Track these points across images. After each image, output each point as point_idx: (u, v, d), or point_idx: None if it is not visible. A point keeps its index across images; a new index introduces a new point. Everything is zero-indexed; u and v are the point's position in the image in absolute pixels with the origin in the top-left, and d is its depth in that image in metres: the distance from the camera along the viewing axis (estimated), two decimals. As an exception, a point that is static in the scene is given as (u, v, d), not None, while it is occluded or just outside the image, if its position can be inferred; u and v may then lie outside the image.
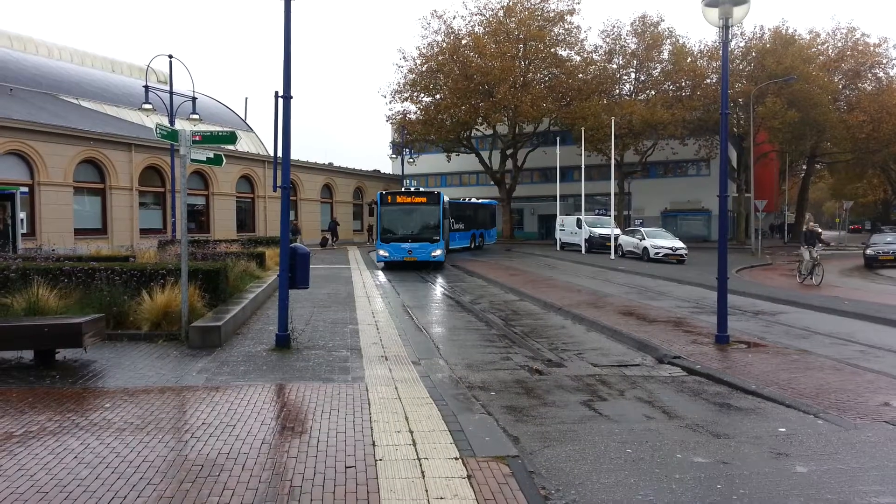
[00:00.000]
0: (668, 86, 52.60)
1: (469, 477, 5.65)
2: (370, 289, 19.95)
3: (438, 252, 28.06)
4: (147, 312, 11.79)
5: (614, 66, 53.96)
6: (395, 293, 19.73)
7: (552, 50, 51.55)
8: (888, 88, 55.90)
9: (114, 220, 30.93)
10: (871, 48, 55.87)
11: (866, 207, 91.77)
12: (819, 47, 56.28)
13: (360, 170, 53.71)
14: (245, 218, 40.16)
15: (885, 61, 56.86)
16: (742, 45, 52.32)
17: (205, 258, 17.20)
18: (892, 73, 58.28)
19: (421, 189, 37.13)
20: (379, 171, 57.94)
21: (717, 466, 6.31)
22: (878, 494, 5.65)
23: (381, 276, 24.81)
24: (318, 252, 35.95)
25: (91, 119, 34.64)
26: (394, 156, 59.26)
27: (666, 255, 33.29)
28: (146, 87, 27.02)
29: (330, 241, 42.62)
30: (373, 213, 29.22)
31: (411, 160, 55.28)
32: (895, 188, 76.87)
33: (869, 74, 57.35)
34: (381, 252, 28.08)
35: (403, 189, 28.02)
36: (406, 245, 27.76)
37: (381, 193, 28.93)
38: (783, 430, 7.41)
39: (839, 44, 57.01)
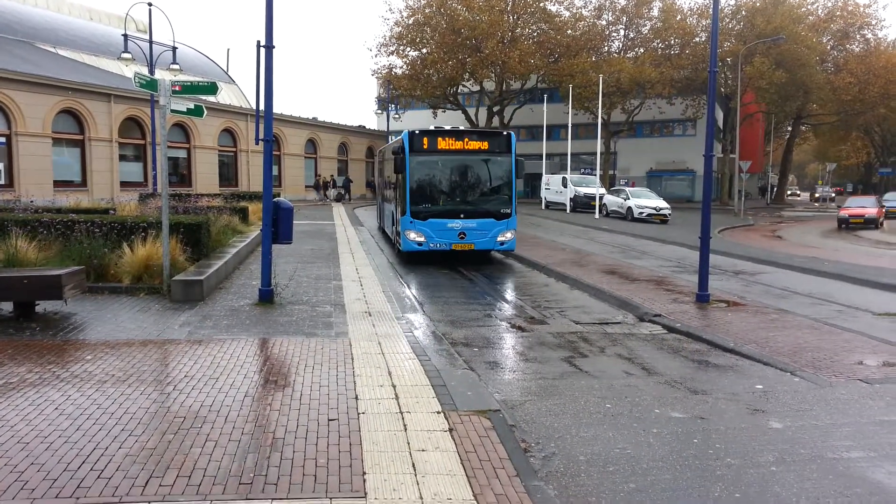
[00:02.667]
0: (657, 44, 52.14)
1: (451, 430, 5.71)
2: (354, 245, 19.88)
3: (509, 235, 16.91)
4: (128, 265, 11.68)
5: (603, 22, 53.35)
6: (378, 249, 19.69)
7: (541, 4, 50.77)
8: (875, 50, 55.80)
9: (93, 172, 30.41)
10: (861, 9, 55.48)
11: (849, 170, 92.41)
12: (809, 7, 55.78)
13: (345, 125, 53.03)
14: (228, 172, 39.67)
15: (873, 22, 56.60)
16: (732, 3, 51.78)
17: (186, 212, 17.02)
18: (880, 35, 58.19)
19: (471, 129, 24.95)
20: (364, 127, 57.26)
21: (694, 422, 6.42)
22: (850, 449, 5.79)
23: (366, 232, 24.69)
24: (302, 208, 35.71)
25: (69, 68, 33.77)
26: (379, 111, 58.57)
27: (650, 214, 33.43)
28: (125, 35, 26.30)
29: (345, 197, 44.93)
30: (399, 167, 16.68)
31: (397, 116, 54.69)
32: (878, 151, 77.33)
33: (857, 36, 57.09)
34: (412, 235, 16.46)
35: (448, 128, 17.65)
36: (456, 224, 16.40)
37: (412, 133, 16.73)
38: (760, 386, 7.54)
39: (829, 3, 56.56)
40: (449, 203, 16.72)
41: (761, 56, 47.05)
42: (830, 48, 56.75)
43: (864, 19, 55.79)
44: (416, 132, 16.57)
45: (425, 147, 16.47)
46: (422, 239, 16.33)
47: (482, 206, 16.71)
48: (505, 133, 17.04)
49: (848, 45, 57.14)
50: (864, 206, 35.20)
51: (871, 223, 33.35)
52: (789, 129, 67.33)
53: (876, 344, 9.44)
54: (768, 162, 70.38)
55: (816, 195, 70.20)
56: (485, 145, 16.75)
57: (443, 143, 16.57)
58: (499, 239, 16.73)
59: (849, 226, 33.46)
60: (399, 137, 17.25)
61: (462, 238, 16.34)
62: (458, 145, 16.66)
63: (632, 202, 34.53)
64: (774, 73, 46.53)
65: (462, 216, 16.38)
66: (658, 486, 5.05)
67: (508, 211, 16.78)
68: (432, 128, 17.39)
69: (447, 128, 17.71)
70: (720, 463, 5.48)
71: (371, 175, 52.00)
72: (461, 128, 19.16)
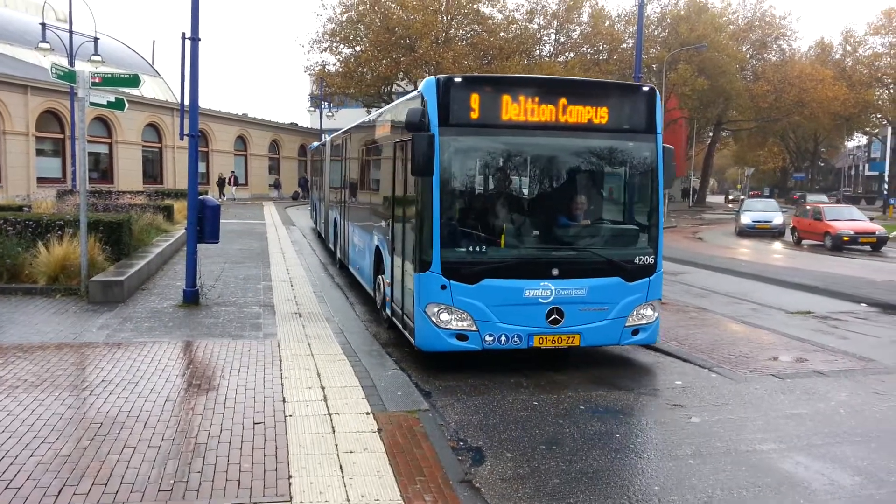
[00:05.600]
0: (587, 49, 53.30)
1: (379, 431, 5.70)
2: (286, 245, 19.57)
3: (649, 312, 8.21)
4: (43, 265, 11.17)
5: (535, 26, 54.15)
6: (310, 249, 19.44)
7: (474, 6, 51.12)
8: (790, 60, 58.66)
9: (8, 167, 28.92)
10: (777, 20, 58.32)
11: (766, 174, 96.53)
12: (730, 16, 58.26)
13: (277, 122, 52.17)
14: (152, 168, 38.40)
15: (788, 33, 59.58)
16: (658, 11, 53.56)
17: (107, 210, 16.42)
18: (794, 46, 61.28)
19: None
20: (296, 125, 56.45)
21: (616, 417, 6.61)
22: (762, 441, 6.08)
23: (297, 232, 24.35)
24: (231, 206, 34.93)
25: (-21, 57, 32.03)
26: (312, 109, 57.75)
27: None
28: (43, 24, 25.12)
29: (301, 195, 45.72)
30: (419, 163, 7.15)
31: (330, 114, 54.06)
32: (793, 157, 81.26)
33: (774, 46, 59.93)
34: (445, 317, 7.58)
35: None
36: (543, 290, 7.61)
37: (448, 83, 7.49)
38: (679, 382, 7.82)
39: (748, 14, 59.17)
40: (527, 243, 8.04)
41: (685, 63, 48.76)
42: (749, 57, 59.31)
43: (780, 30, 58.61)
44: (457, 80, 7.58)
45: (475, 115, 7.55)
46: (467, 325, 7.59)
47: (596, 251, 8.09)
48: (645, 88, 8.29)
49: (765, 55, 59.87)
50: (854, 217, 25.73)
51: (882, 243, 24.16)
52: (710, 134, 69.97)
53: (788, 341, 9.92)
54: (691, 166, 72.87)
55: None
56: (601, 114, 7.82)
57: (514, 108, 7.60)
58: (630, 321, 8.06)
59: (849, 246, 23.85)
60: (412, 94, 8.67)
61: (556, 322, 7.68)
62: (547, 112, 7.67)
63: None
64: (697, 80, 48.31)
65: (555, 273, 7.69)
66: (582, 481, 5.18)
67: (651, 259, 8.16)
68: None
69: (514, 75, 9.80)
70: (641, 456, 5.66)
71: (303, 172, 51.17)
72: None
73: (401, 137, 8.41)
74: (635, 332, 8.12)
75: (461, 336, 7.61)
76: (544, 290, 7.61)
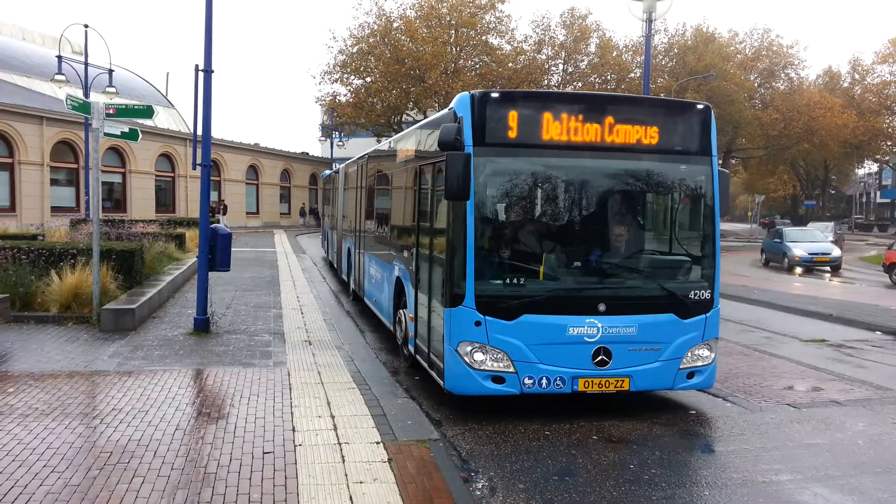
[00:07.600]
0: (595, 78, 53.72)
1: (390, 461, 5.65)
2: (296, 273, 19.62)
3: (705, 353, 7.50)
4: (56, 294, 11.24)
5: (543, 56, 54.72)
6: (321, 277, 19.47)
7: (483, 37, 51.77)
8: (799, 88, 58.85)
9: (23, 196, 29.30)
10: (785, 49, 58.66)
11: (776, 202, 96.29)
12: (737, 46, 58.65)
13: (288, 151, 52.76)
14: (165, 198, 38.79)
15: (796, 62, 59.85)
16: (665, 41, 53.96)
17: (119, 238, 16.54)
18: (802, 74, 61.49)
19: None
20: (308, 154, 57.03)
21: (629, 447, 6.51)
22: (778, 473, 5.97)
23: (308, 260, 24.41)
24: (242, 235, 35.15)
25: (-3, 89, 32.61)
26: (323, 139, 58.36)
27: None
28: (59, 57, 25.58)
29: (315, 223, 46.99)
30: (455, 186, 6.51)
31: (341, 143, 54.60)
32: (803, 184, 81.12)
33: (782, 74, 60.17)
34: (479, 357, 6.89)
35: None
36: (589, 327, 6.95)
37: (485, 99, 6.94)
38: (694, 412, 7.71)
39: (756, 43, 59.55)
40: (570, 275, 7.43)
41: (693, 92, 49.01)
42: (758, 86, 59.56)
43: (788, 59, 58.92)
44: (494, 96, 7.05)
45: (513, 134, 6.99)
46: (504, 366, 6.93)
47: (646, 285, 7.63)
48: (700, 106, 7.72)
49: (774, 83, 60.11)
50: None
51: None
52: (720, 162, 70.02)
53: (803, 370, 9.80)
54: (701, 193, 72.81)
55: None
56: (652, 134, 7.29)
57: (555, 127, 7.06)
58: (685, 363, 7.38)
59: None
60: (443, 112, 7.95)
61: (603, 364, 7.03)
62: (592, 132, 7.14)
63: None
64: (706, 109, 48.54)
65: (602, 308, 7.06)
66: (595, 513, 5.09)
67: (707, 294, 7.47)
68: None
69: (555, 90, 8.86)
70: (655, 488, 5.56)
71: (315, 202, 51.62)
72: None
73: (428, 159, 8.03)
74: (690, 376, 7.41)
75: (497, 378, 6.91)
76: (590, 328, 6.95)
